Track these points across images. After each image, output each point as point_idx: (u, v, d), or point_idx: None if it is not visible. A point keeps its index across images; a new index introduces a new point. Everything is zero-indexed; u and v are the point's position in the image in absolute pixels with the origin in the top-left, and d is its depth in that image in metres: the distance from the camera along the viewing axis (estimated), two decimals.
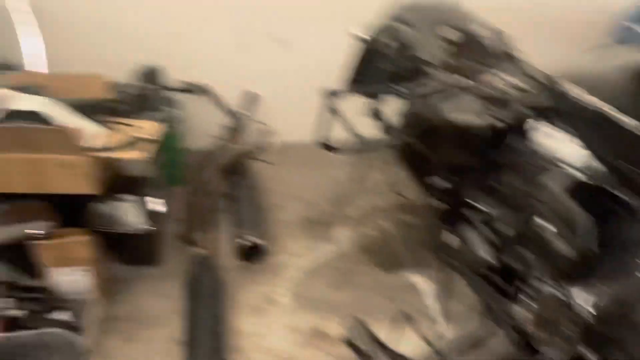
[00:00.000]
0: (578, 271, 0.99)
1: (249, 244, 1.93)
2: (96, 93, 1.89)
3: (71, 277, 1.63)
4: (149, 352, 1.64)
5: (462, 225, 1.35)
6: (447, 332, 1.50)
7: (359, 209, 2.21)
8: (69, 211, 1.63)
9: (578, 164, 1.04)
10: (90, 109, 1.77)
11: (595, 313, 0.91)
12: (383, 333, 1.33)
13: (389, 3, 1.77)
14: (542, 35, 2.21)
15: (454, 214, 1.39)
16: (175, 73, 2.42)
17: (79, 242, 1.62)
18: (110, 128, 1.78)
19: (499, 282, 1.19)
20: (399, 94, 1.59)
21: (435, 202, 1.45)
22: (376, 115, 1.80)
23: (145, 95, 2.16)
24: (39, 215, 1.60)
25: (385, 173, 1.77)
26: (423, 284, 1.84)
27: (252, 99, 2.45)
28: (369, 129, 1.78)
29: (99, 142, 1.68)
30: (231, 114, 2.42)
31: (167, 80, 2.37)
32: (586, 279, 0.98)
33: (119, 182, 1.69)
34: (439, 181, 1.42)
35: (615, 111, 0.94)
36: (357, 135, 1.76)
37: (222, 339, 1.64)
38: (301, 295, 1.85)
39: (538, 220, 1.06)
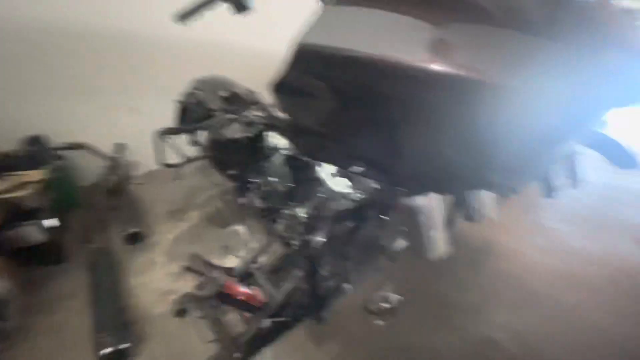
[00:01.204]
0: (291, 198, 1.04)
1: (130, 232, 1.82)
2: None
3: None
4: (67, 317, 1.48)
5: (247, 192, 1.35)
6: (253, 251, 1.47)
7: (201, 198, 2.20)
8: None
9: (285, 147, 1.13)
10: None
11: (307, 216, 0.96)
12: (217, 260, 1.33)
13: (191, 79, 1.74)
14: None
15: (242, 187, 1.39)
16: (60, 138, 2.17)
17: None
18: (4, 179, 1.49)
19: (268, 216, 1.19)
20: (202, 128, 1.57)
21: (232, 183, 1.44)
22: (194, 142, 1.76)
23: (32, 154, 1.85)
24: None
25: (208, 174, 1.71)
26: (241, 229, 1.87)
27: (120, 147, 2.27)
28: (193, 151, 1.77)
29: None
30: (106, 157, 2.20)
31: (52, 143, 2.11)
32: (300, 201, 1.04)
33: (18, 212, 1.46)
34: (231, 171, 1.42)
35: None
36: (184, 155, 1.75)
37: (119, 294, 1.54)
38: (171, 254, 1.82)
39: (271, 178, 1.14)
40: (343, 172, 0.93)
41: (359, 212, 0.83)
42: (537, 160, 0.49)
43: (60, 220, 1.69)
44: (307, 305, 1.19)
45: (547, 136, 0.44)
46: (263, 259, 1.45)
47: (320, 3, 0.61)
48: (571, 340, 1.43)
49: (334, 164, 0.85)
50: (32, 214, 1.52)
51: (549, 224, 2.11)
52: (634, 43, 0.41)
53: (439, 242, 0.64)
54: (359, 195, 0.93)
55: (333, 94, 0.55)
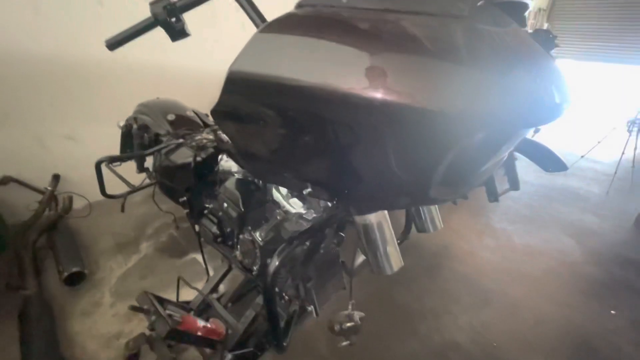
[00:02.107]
0: (243, 222, 1.00)
1: (69, 273, 1.64)
2: None
3: None
4: None
5: (201, 218, 1.26)
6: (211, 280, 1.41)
7: (152, 227, 2.06)
8: None
9: (237, 171, 1.09)
10: None
11: (262, 239, 0.93)
12: (171, 294, 1.26)
13: (135, 104, 1.65)
14: None
15: (195, 213, 1.29)
16: None
17: None
18: None
19: (225, 242, 1.15)
20: (148, 154, 1.45)
21: (185, 210, 1.31)
22: (142, 169, 1.67)
23: None
24: None
25: (159, 202, 1.60)
26: (199, 257, 1.81)
27: (55, 178, 2.09)
28: (140, 179, 1.67)
29: None
30: (40, 191, 1.99)
31: None
32: (255, 225, 0.99)
33: None
34: (182, 198, 1.30)
35: None
36: (129, 183, 1.61)
37: (55, 345, 1.37)
38: (119, 292, 1.66)
39: (224, 203, 1.06)
40: (297, 194, 0.92)
41: (314, 231, 0.82)
42: (473, 173, 0.52)
43: None
44: (270, 334, 1.15)
45: (478, 152, 0.47)
46: (222, 288, 1.41)
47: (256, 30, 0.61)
48: (523, 333, 1.52)
49: (284, 186, 0.84)
50: None
51: (497, 225, 2.27)
52: (540, 65, 0.46)
53: (393, 257, 0.65)
54: (314, 214, 0.92)
55: (267, 119, 0.55)
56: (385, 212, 0.64)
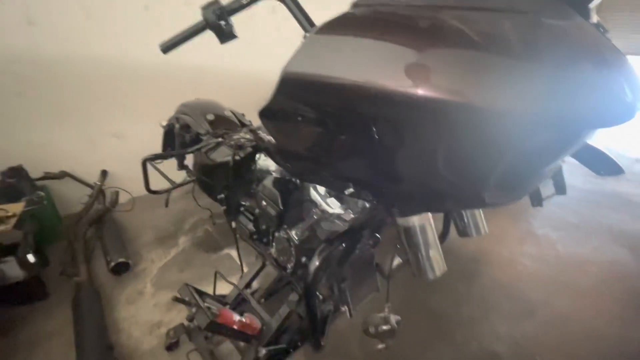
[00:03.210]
0: (281, 221, 1.01)
1: (115, 263, 1.75)
2: None
3: None
4: (49, 357, 1.39)
5: (238, 215, 1.31)
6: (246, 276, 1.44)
7: (190, 223, 2.14)
8: None
9: (276, 169, 1.09)
10: None
11: (298, 238, 0.94)
12: (209, 288, 1.29)
13: (177, 104, 1.73)
14: None
15: (232, 210, 1.34)
16: (41, 167, 2.10)
17: None
18: None
19: (260, 239, 1.16)
20: (186, 153, 1.55)
21: (222, 207, 1.37)
22: (182, 167, 1.75)
23: (12, 186, 1.78)
24: None
25: (197, 198, 1.67)
26: (233, 252, 1.86)
27: (103, 174, 2.23)
28: (181, 176, 1.75)
29: None
30: (90, 185, 2.15)
31: (31, 174, 2.02)
32: (293, 223, 1.00)
33: None
34: (220, 195, 1.36)
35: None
36: (172, 181, 1.72)
37: (104, 330, 1.46)
38: (160, 283, 1.75)
39: (263, 201, 1.08)
40: (335, 193, 0.93)
41: (352, 232, 0.82)
42: (531, 177, 0.49)
43: (42, 254, 1.62)
44: (304, 331, 1.17)
45: (539, 155, 0.45)
46: (256, 284, 1.45)
47: (305, 33, 0.62)
48: (570, 348, 1.42)
49: (324, 185, 0.84)
50: (10, 250, 1.45)
51: (539, 232, 2.14)
52: (610, 61, 0.42)
53: (436, 262, 0.63)
54: (352, 215, 0.92)
55: (318, 120, 0.55)
56: (429, 214, 0.62)
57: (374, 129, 0.49)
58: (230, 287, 1.39)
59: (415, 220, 0.61)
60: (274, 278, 1.43)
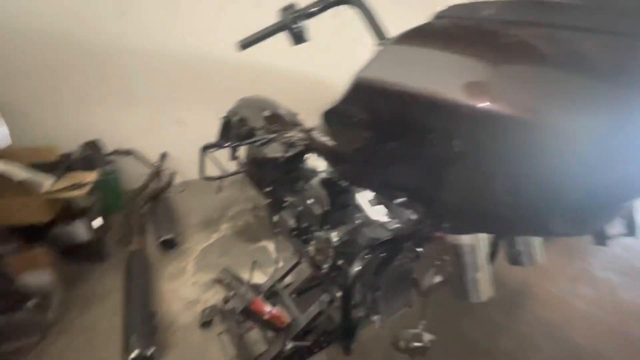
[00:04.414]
0: (325, 221, 1.03)
1: (164, 238, 1.89)
2: (51, 157, 1.77)
3: (36, 277, 1.47)
4: (101, 315, 1.55)
5: (280, 210, 1.33)
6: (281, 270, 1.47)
7: (233, 211, 2.23)
8: (36, 233, 1.53)
9: (324, 170, 1.09)
10: (47, 167, 1.64)
11: (337, 240, 0.94)
12: (246, 275, 1.34)
13: (237, 98, 1.83)
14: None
15: (276, 205, 1.37)
16: (112, 143, 2.36)
17: (39, 252, 1.49)
18: (61, 178, 1.64)
19: (299, 236, 1.20)
20: (241, 145, 1.60)
21: (266, 200, 1.43)
22: (233, 157, 1.82)
23: (88, 157, 2.02)
24: (9, 239, 1.43)
25: (244, 189, 1.76)
26: (270, 245, 1.92)
27: (163, 156, 2.42)
28: (231, 166, 1.82)
29: (52, 188, 1.55)
30: (150, 165, 2.35)
31: (105, 148, 2.29)
32: (334, 225, 1.01)
33: (70, 210, 1.58)
34: (266, 188, 1.41)
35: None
36: (224, 170, 1.80)
37: (149, 298, 1.59)
38: (200, 264, 1.85)
39: (308, 200, 1.11)
40: (381, 200, 0.92)
41: (395, 242, 0.81)
42: (608, 210, 0.46)
43: (104, 221, 1.80)
44: (332, 332, 1.18)
45: (616, 189, 0.42)
46: (288, 280, 1.47)
47: (377, 42, 0.63)
48: None
49: (375, 192, 0.85)
50: (81, 213, 1.63)
51: (599, 274, 1.94)
52: None
53: (483, 285, 0.61)
54: (396, 224, 0.91)
55: (382, 127, 0.55)
56: (484, 235, 0.60)
57: (439, 141, 0.48)
58: (264, 279, 1.44)
59: (466, 239, 0.59)
60: (306, 276, 1.44)
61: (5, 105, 1.88)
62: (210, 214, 2.29)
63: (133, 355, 1.25)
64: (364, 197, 0.97)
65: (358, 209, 0.98)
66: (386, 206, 0.91)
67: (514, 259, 0.82)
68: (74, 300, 1.60)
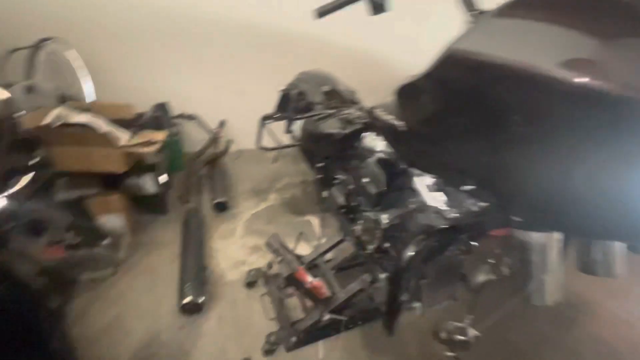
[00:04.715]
0: (379, 202, 1.01)
1: (218, 200, 2.02)
2: (128, 115, 1.93)
3: (111, 220, 1.64)
4: (160, 261, 1.71)
5: (330, 186, 1.35)
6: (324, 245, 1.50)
7: (282, 183, 2.30)
8: (111, 181, 1.69)
9: (382, 150, 1.07)
10: (124, 123, 1.80)
11: (387, 222, 0.93)
12: (290, 244, 1.38)
13: (296, 73, 1.84)
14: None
15: (326, 181, 1.38)
16: (178, 107, 2.52)
17: (115, 199, 1.66)
18: (135, 134, 1.79)
19: (347, 214, 1.18)
20: (299, 119, 1.60)
21: (317, 175, 1.43)
22: (289, 130, 1.84)
23: (158, 118, 2.18)
24: (91, 184, 1.61)
25: (295, 162, 1.79)
26: (315, 220, 1.94)
27: (222, 123, 2.53)
28: (285, 139, 1.84)
29: (128, 142, 1.71)
30: (210, 131, 2.48)
31: (171, 111, 2.45)
32: (385, 207, 0.98)
33: (140, 164, 1.73)
34: (319, 164, 1.42)
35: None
36: (279, 142, 1.84)
37: (203, 253, 1.71)
38: (249, 228, 1.95)
39: (363, 179, 1.09)
40: (442, 187, 0.88)
41: (450, 231, 0.78)
42: None
43: (168, 178, 1.96)
44: (369, 312, 1.21)
45: None
46: (330, 256, 1.50)
47: (467, 14, 0.58)
48: None
49: (440, 176, 0.81)
50: (150, 168, 1.79)
51: None
52: None
53: (551, 288, 0.56)
54: (454, 214, 0.87)
55: (463, 105, 0.52)
56: (557, 234, 0.55)
57: (524, 122, 0.44)
58: (308, 251, 1.48)
59: (538, 237, 0.55)
60: (348, 255, 1.46)
61: (92, 63, 2.08)
62: (260, 183, 2.38)
63: (186, 300, 1.38)
64: (422, 182, 0.93)
65: (414, 193, 0.95)
66: (446, 193, 0.87)
67: (587, 267, 0.74)
68: (139, 245, 1.79)
